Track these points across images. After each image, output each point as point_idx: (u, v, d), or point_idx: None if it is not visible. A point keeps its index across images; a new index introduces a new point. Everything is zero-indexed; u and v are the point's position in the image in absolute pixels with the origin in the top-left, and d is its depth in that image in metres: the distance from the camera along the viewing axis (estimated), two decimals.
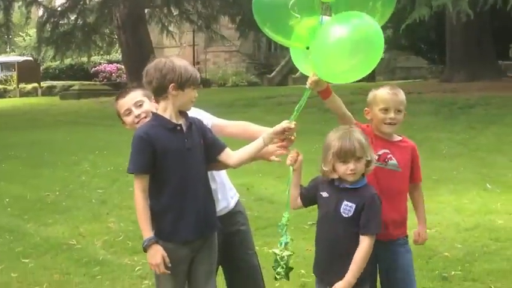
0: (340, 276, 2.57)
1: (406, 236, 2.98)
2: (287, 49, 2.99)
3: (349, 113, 2.85)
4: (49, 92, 29.88)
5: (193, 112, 3.05)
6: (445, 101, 14.14)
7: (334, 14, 2.67)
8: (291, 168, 2.72)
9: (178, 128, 2.74)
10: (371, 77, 27.50)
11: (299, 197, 2.79)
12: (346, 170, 2.56)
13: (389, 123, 2.84)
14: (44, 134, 13.66)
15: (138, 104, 3.00)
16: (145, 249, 2.72)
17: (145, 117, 2.94)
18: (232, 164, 2.83)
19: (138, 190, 2.71)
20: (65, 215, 6.33)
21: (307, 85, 2.70)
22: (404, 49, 25.56)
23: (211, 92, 21.70)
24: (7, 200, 7.08)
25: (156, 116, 2.77)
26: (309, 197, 2.77)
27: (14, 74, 31.81)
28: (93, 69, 32.93)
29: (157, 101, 2.79)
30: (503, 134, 10.48)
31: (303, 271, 4.34)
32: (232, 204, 3.16)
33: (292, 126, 2.68)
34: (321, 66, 2.65)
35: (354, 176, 2.59)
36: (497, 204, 6.05)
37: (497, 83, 16.78)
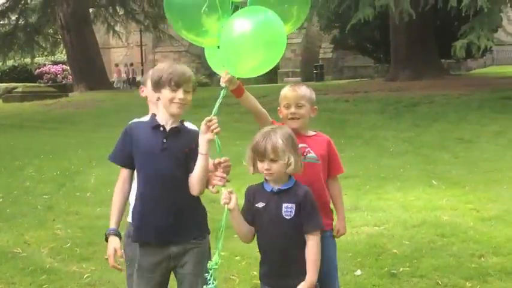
0: (292, 279, 2.58)
1: (332, 229, 3.08)
2: None
3: (264, 111, 2.95)
4: None
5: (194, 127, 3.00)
6: (391, 99, 14.50)
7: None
8: (226, 207, 2.61)
9: (161, 128, 2.73)
10: (319, 77, 27.95)
11: (248, 229, 2.70)
12: (261, 167, 2.61)
13: (292, 118, 2.96)
14: None
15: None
16: (106, 240, 2.74)
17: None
18: (192, 193, 2.74)
19: (118, 179, 2.81)
20: (9, 223, 6.11)
21: (221, 83, 2.75)
22: (351, 49, 26.10)
23: None
24: None
25: (151, 115, 2.84)
26: (253, 220, 2.70)
27: None
28: (37, 70, 32.07)
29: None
30: (446, 131, 10.84)
31: (255, 272, 4.36)
32: None
33: (214, 118, 2.64)
34: (229, 62, 2.69)
35: (272, 176, 2.62)
36: (442, 200, 6.24)
37: (441, 81, 17.36)
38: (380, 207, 6.08)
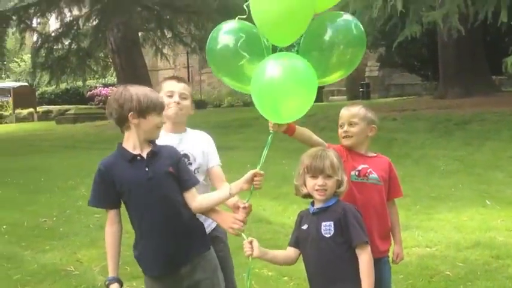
0: None
1: (388, 256, 3.04)
2: None
3: (320, 140, 2.94)
4: (45, 116, 29.91)
5: (198, 134, 3.07)
6: (440, 117, 14.19)
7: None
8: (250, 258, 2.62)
9: (139, 158, 2.65)
10: (366, 95, 27.67)
11: (283, 257, 2.74)
12: (314, 185, 2.59)
13: (344, 136, 2.99)
14: (40, 159, 13.60)
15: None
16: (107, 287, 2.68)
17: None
18: (193, 209, 2.73)
19: (106, 224, 2.71)
20: (62, 241, 6.27)
21: (270, 129, 2.72)
22: (398, 66, 25.75)
23: (207, 113, 21.75)
24: (4, 227, 7.01)
25: (118, 147, 2.73)
26: (297, 241, 2.73)
27: (10, 99, 31.84)
28: (89, 93, 33.00)
29: (122, 132, 2.74)
30: (499, 149, 10.50)
31: None
32: (208, 230, 3.01)
33: (262, 173, 2.60)
34: (263, 109, 2.63)
35: (324, 194, 2.59)
36: (497, 220, 6.04)
37: (492, 98, 16.87)
38: (431, 227, 5.93)
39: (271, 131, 2.72)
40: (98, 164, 2.72)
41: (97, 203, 2.73)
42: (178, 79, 3.13)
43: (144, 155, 2.66)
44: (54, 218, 7.37)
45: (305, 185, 2.65)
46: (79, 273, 5.18)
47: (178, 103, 2.98)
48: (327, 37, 2.64)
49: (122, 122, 2.68)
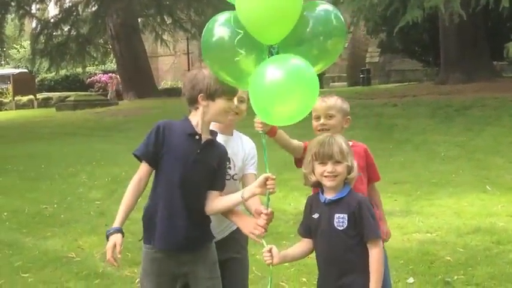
0: None
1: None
2: None
3: (298, 143, 2.91)
4: (45, 103, 29.83)
5: (244, 140, 3.01)
6: (441, 103, 14.17)
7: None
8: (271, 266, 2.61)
9: (197, 137, 2.69)
10: (366, 81, 27.61)
11: (301, 251, 2.72)
12: (323, 172, 2.54)
13: (321, 129, 2.92)
14: (41, 147, 13.60)
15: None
16: (107, 238, 2.64)
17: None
18: (206, 210, 2.74)
19: (136, 175, 2.72)
20: (63, 228, 6.29)
21: (258, 128, 2.65)
22: (399, 52, 25.65)
23: None
24: (5, 213, 7.03)
25: (184, 118, 2.76)
26: (309, 230, 2.69)
27: (10, 86, 31.77)
28: (89, 79, 32.94)
29: (189, 112, 2.77)
30: (500, 135, 10.49)
31: (304, 279, 4.34)
32: (226, 232, 2.99)
33: (274, 177, 2.56)
34: (261, 111, 2.55)
35: (334, 180, 2.54)
36: (497, 206, 6.04)
37: (493, 84, 16.83)
38: (432, 213, 5.94)
39: (260, 131, 2.65)
40: (159, 121, 2.74)
41: (141, 152, 2.71)
42: None
43: (203, 138, 2.69)
44: (55, 205, 7.38)
45: (313, 173, 2.59)
46: (80, 259, 5.20)
47: (236, 107, 2.88)
48: (306, 29, 2.51)
49: (193, 103, 2.72)
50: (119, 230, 2.64)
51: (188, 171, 2.66)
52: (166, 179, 2.68)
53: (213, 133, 2.78)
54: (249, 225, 2.67)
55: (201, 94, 2.68)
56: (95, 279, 4.65)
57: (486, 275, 4.21)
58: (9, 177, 9.60)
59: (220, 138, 2.87)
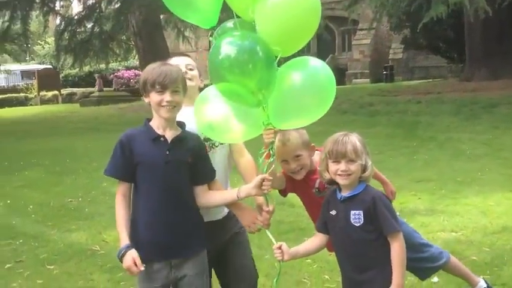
0: (369, 285, 2.52)
1: None
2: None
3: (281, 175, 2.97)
4: (69, 99, 30.25)
5: None
6: (466, 100, 13.97)
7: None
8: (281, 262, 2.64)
9: (162, 139, 2.61)
10: (389, 78, 27.36)
11: (315, 246, 2.75)
12: (336, 170, 2.53)
13: (294, 172, 2.93)
14: (65, 141, 13.79)
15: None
16: (120, 260, 2.58)
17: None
18: (198, 204, 2.70)
19: (117, 194, 2.66)
20: (88, 221, 6.36)
21: (268, 139, 2.61)
22: (423, 48, 25.34)
23: None
24: (31, 207, 7.14)
25: (145, 123, 2.69)
26: (325, 226, 2.71)
27: (35, 82, 32.26)
28: (112, 75, 33.20)
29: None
30: None
31: (326, 276, 4.31)
32: (226, 209, 2.96)
33: (270, 178, 2.56)
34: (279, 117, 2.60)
35: (348, 178, 2.53)
36: None
37: None
38: (457, 212, 5.86)
39: (271, 140, 2.60)
40: (121, 135, 2.68)
41: (114, 172, 2.64)
42: (180, 54, 3.10)
43: (169, 137, 2.61)
44: (80, 199, 7.47)
45: (328, 171, 2.60)
46: (104, 252, 5.25)
47: (185, 73, 2.85)
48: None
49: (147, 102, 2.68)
50: (130, 246, 2.56)
51: (164, 176, 2.58)
52: (144, 188, 2.62)
53: (181, 124, 2.70)
54: (248, 218, 2.71)
55: (142, 92, 2.63)
56: (119, 272, 4.68)
57: None
58: (34, 171, 9.75)
59: (189, 111, 2.77)
